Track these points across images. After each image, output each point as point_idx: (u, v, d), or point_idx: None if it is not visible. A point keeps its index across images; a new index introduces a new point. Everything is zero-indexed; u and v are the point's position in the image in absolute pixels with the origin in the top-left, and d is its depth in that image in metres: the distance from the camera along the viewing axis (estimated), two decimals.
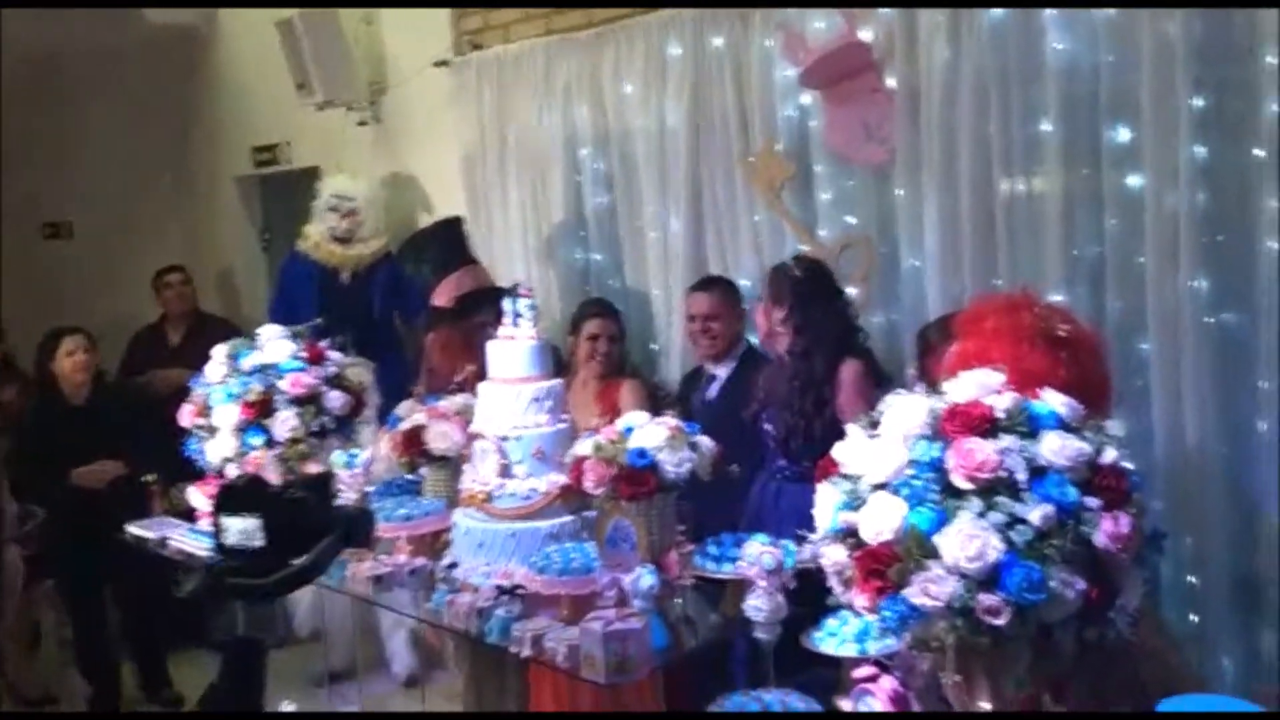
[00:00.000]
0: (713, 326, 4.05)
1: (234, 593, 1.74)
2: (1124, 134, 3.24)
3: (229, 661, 1.80)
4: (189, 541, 3.72)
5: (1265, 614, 3.11)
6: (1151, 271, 3.21)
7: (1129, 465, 2.05)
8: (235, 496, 1.72)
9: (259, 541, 1.68)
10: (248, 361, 3.78)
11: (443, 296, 4.77)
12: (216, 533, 1.71)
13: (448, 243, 4.98)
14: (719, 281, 4.19)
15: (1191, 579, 3.17)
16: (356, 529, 1.83)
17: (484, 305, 4.43)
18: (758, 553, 2.54)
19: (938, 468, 2.05)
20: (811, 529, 2.17)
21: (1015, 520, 1.97)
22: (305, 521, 1.73)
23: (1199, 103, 3.08)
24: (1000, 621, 1.92)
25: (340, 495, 3.41)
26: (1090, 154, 3.32)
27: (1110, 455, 2.07)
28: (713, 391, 4.11)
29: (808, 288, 3.60)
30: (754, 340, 4.18)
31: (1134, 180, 3.24)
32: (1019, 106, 3.42)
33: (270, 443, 3.71)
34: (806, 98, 4.03)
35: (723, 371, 4.10)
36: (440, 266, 4.89)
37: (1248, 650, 3.15)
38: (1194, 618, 3.18)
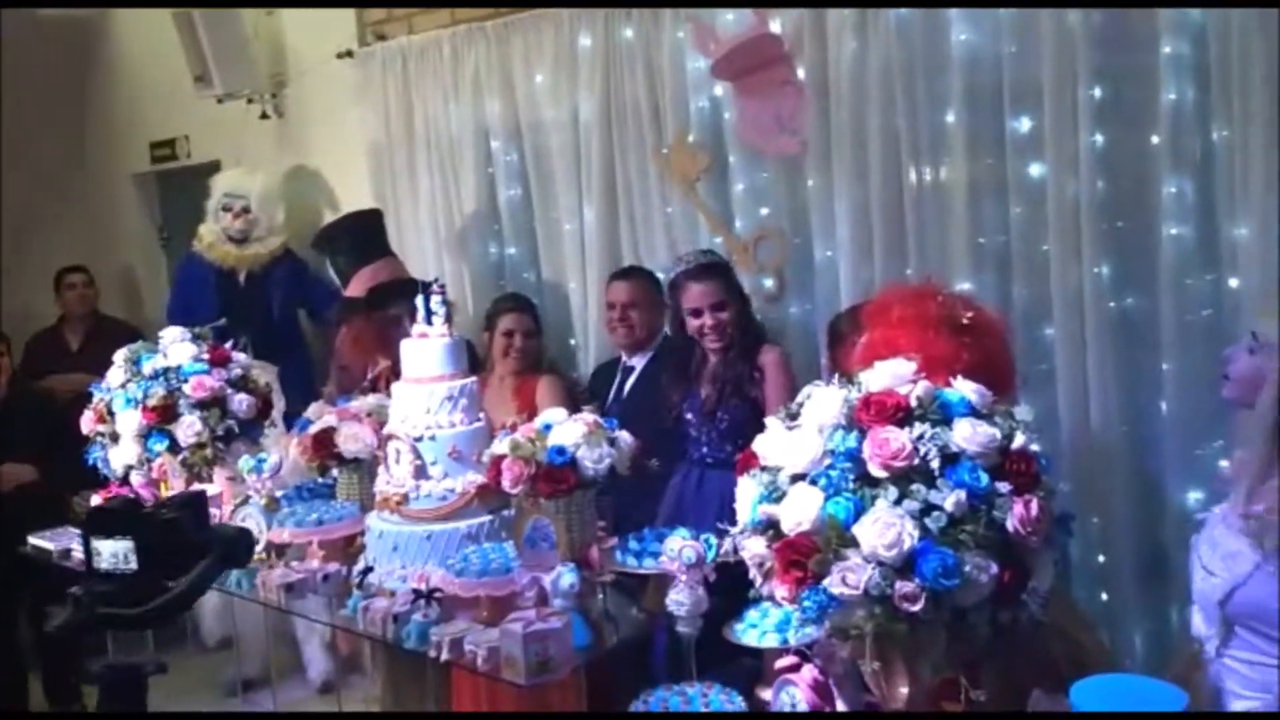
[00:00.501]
0: (631, 315, 4.03)
1: (106, 623, 1.67)
2: (1026, 124, 3.30)
3: (105, 691, 1.73)
4: None
5: (1171, 590, 3.20)
6: (1055, 258, 3.28)
7: (1036, 449, 2.08)
8: (106, 518, 1.65)
9: (132, 565, 1.62)
10: (149, 365, 3.69)
11: (357, 288, 4.66)
12: (88, 557, 1.64)
13: (364, 234, 4.87)
14: (639, 271, 4.18)
15: (1100, 558, 3.25)
16: (235, 550, 1.77)
17: (398, 297, 4.35)
18: (679, 547, 2.53)
19: (854, 457, 2.07)
20: (734, 516, 2.18)
21: (930, 507, 1.99)
22: (180, 543, 1.66)
23: (1098, 92, 3.15)
24: (916, 608, 1.94)
25: (250, 499, 3.34)
26: (994, 144, 3.37)
27: (1019, 440, 2.11)
28: (629, 384, 4.09)
29: (729, 277, 3.61)
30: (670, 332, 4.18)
31: (1036, 169, 3.30)
32: (925, 98, 3.46)
33: (174, 448, 3.63)
34: (719, 89, 4.03)
35: (639, 363, 4.09)
36: (356, 258, 4.78)
37: (1156, 626, 3.24)
38: (1104, 596, 3.26)
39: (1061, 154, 3.20)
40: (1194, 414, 3.11)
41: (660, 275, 4.21)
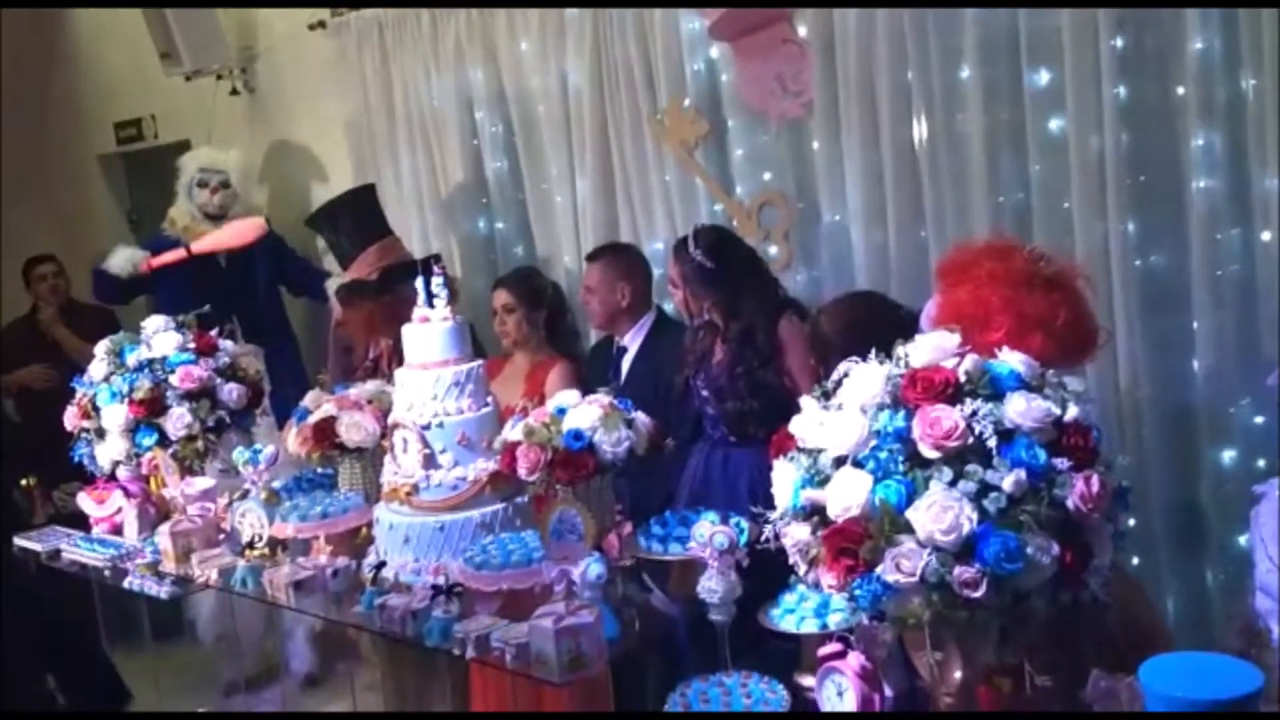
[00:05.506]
0: (590, 300, 3.86)
1: None
2: (1045, 76, 3.17)
3: None
4: (83, 553, 3.47)
5: (1205, 553, 3.13)
6: (1078, 215, 3.17)
7: (1092, 421, 1.98)
8: None
9: None
10: (133, 357, 3.55)
11: (361, 269, 4.49)
12: None
13: (365, 212, 4.66)
14: (604, 250, 3.97)
15: (1131, 521, 3.15)
16: None
17: (408, 278, 4.21)
18: (709, 533, 2.41)
19: (902, 437, 1.96)
20: (764, 495, 2.07)
21: (987, 487, 1.89)
22: None
23: (1119, 42, 3.02)
24: (978, 594, 1.85)
25: (249, 492, 3.20)
26: (1012, 98, 3.24)
27: (1073, 412, 2.01)
28: (625, 364, 3.95)
29: (722, 272, 3.37)
30: (666, 307, 4.04)
31: (1056, 124, 3.18)
32: (937, 52, 3.32)
33: (164, 441, 3.49)
34: (715, 51, 3.88)
35: (633, 342, 3.94)
36: (359, 238, 4.59)
37: (1192, 589, 3.17)
38: (1135, 560, 3.18)
39: (1083, 107, 3.08)
40: (1226, 372, 3.02)
41: (658, 247, 4.08)
